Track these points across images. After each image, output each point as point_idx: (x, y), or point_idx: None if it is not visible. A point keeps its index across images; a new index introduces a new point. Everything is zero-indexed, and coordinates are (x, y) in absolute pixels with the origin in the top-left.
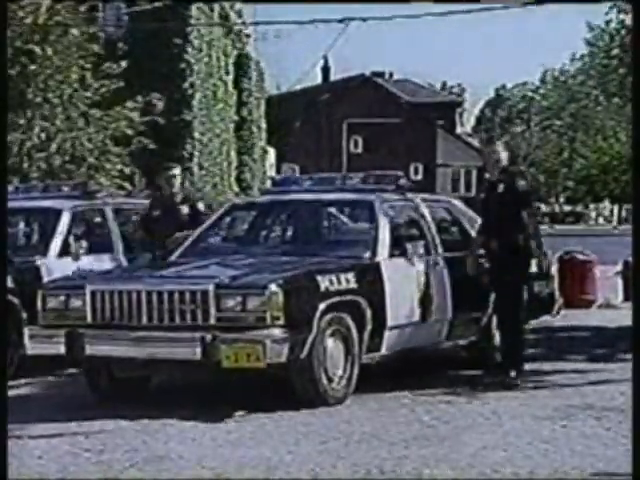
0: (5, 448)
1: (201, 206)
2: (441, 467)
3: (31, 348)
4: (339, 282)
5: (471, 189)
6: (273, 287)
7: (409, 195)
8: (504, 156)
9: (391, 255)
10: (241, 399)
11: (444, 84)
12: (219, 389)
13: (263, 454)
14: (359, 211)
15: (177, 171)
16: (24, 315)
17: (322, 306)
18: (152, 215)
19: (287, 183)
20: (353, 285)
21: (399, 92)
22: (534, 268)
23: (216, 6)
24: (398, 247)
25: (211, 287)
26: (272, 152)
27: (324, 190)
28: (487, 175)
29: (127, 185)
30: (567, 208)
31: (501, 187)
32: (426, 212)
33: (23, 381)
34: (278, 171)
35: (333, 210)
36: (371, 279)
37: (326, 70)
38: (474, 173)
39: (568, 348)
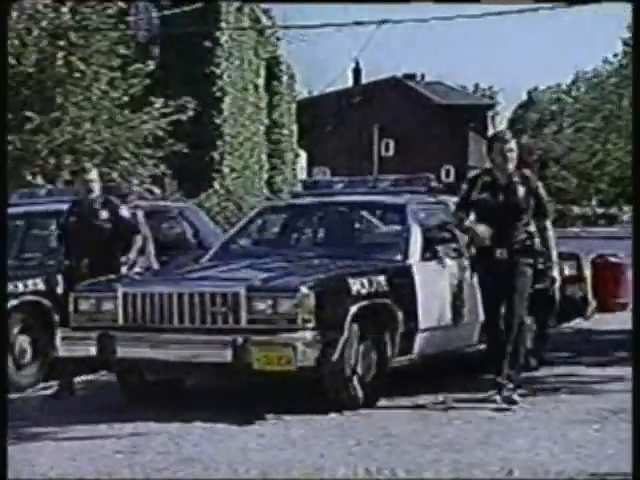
0: (5, 448)
1: (125, 212)
2: (473, 471)
3: (62, 350)
4: (370, 285)
5: None
6: (304, 290)
7: (440, 197)
8: (515, 156)
9: (423, 258)
10: (272, 402)
11: (476, 86)
12: (250, 392)
13: (295, 457)
14: (390, 213)
15: (94, 175)
16: (56, 317)
17: (353, 309)
18: (69, 223)
19: (318, 186)
20: (385, 288)
21: (430, 94)
22: (567, 271)
23: (246, 9)
24: (430, 250)
25: (242, 289)
26: (303, 155)
27: (355, 193)
28: (472, 174)
29: (157, 189)
30: (600, 210)
31: (519, 189)
32: None
33: (55, 383)
34: (309, 174)
35: (364, 213)
36: (403, 282)
37: (357, 73)
38: None
39: (601, 352)
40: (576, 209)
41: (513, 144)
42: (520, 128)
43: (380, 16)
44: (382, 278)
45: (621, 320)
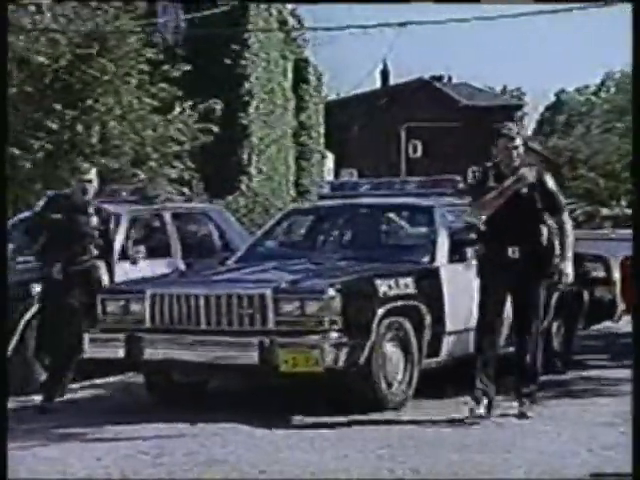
0: (5, 448)
1: (111, 226)
2: (497, 473)
3: (90, 352)
4: (398, 287)
5: None
6: (331, 292)
7: (467, 199)
8: (522, 152)
9: (450, 260)
10: (298, 404)
11: (504, 88)
12: (276, 394)
13: (322, 458)
14: (418, 216)
15: (92, 175)
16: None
17: (381, 311)
18: (51, 218)
19: (344, 188)
20: (412, 290)
21: (458, 96)
22: (595, 273)
23: (274, 11)
24: (457, 252)
25: (269, 291)
26: (331, 157)
27: (382, 194)
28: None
29: (185, 190)
30: (629, 211)
31: (523, 186)
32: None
33: (80, 385)
34: (337, 176)
35: (391, 214)
36: (430, 284)
37: (385, 74)
38: None
39: (631, 354)
40: (605, 210)
41: (519, 140)
42: (549, 130)
43: (406, 17)
44: (409, 280)
45: None
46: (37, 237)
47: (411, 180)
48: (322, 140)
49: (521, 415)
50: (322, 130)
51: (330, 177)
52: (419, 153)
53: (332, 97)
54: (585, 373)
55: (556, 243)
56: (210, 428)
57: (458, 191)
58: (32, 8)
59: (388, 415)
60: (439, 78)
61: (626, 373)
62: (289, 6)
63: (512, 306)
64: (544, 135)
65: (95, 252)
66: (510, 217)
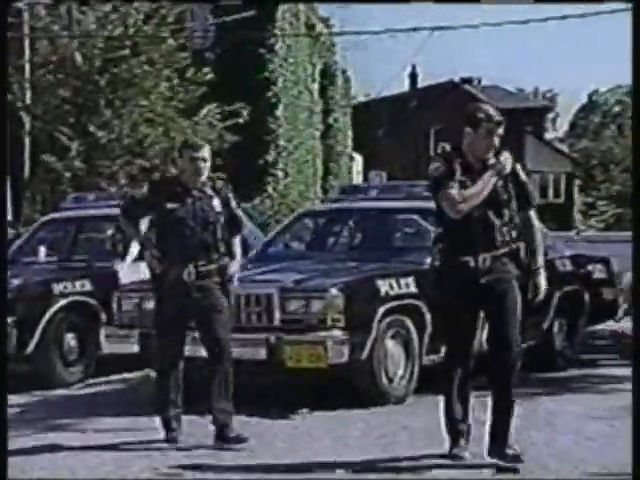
0: (5, 448)
1: (235, 204)
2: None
3: (106, 347)
4: (399, 286)
5: (560, 195)
6: (334, 291)
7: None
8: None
9: None
10: (305, 398)
11: (536, 90)
12: (285, 389)
13: (323, 448)
14: (423, 218)
15: (206, 152)
16: (103, 316)
17: (382, 309)
18: (157, 206)
19: (355, 191)
20: (413, 289)
21: (487, 98)
22: (597, 274)
23: (302, 15)
24: None
25: (275, 291)
26: (359, 159)
27: (390, 198)
28: (442, 150)
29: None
30: None
31: (491, 177)
32: None
33: (101, 379)
34: (365, 178)
35: (398, 217)
36: None
37: (414, 77)
38: (563, 179)
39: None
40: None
41: (502, 129)
42: (581, 132)
43: (435, 21)
44: (411, 280)
45: None
46: (134, 230)
47: (418, 184)
48: (350, 142)
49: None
50: (350, 133)
51: (359, 179)
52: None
53: (361, 99)
54: (585, 371)
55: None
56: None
57: None
58: (62, 12)
59: (391, 408)
60: (469, 80)
61: (624, 371)
62: (316, 8)
63: (488, 333)
64: (576, 137)
65: (223, 247)
66: (478, 216)
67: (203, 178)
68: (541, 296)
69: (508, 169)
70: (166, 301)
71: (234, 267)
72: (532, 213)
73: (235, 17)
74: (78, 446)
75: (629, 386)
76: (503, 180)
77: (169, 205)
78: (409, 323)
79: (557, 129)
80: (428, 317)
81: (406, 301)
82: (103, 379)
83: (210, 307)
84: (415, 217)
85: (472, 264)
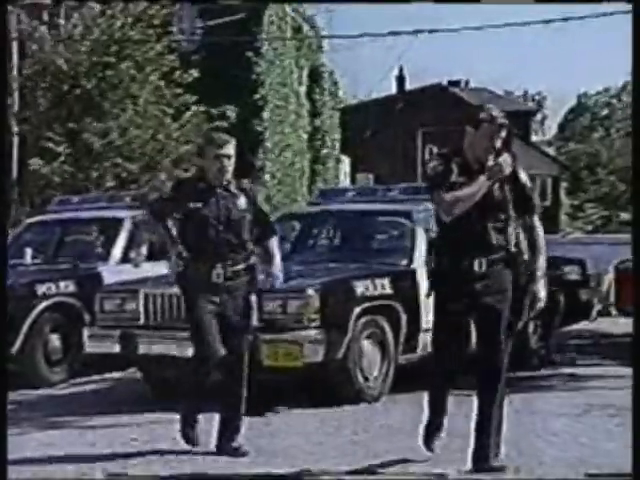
0: (5, 448)
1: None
2: (455, 457)
3: (89, 347)
4: (375, 287)
5: (546, 198)
6: (310, 291)
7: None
8: (504, 134)
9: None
10: (285, 397)
11: (525, 92)
12: (266, 387)
13: (295, 444)
14: (399, 220)
15: (231, 149)
16: (86, 317)
17: (357, 310)
18: (182, 206)
19: (332, 195)
20: (389, 290)
21: (474, 101)
22: (571, 275)
23: (289, 18)
24: None
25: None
26: (347, 161)
27: (366, 201)
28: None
29: None
30: None
31: (485, 180)
32: None
33: (84, 379)
34: (353, 180)
35: (375, 219)
36: (407, 285)
37: (401, 79)
38: (549, 182)
39: (609, 353)
40: (623, 215)
41: (504, 133)
42: (569, 134)
43: (421, 24)
44: (386, 281)
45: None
46: (161, 232)
47: (394, 187)
48: (337, 145)
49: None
50: (337, 135)
51: (346, 181)
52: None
53: (350, 101)
54: (559, 370)
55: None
56: (201, 417)
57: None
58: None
59: (366, 406)
60: (456, 83)
61: (600, 370)
62: (303, 10)
63: (477, 337)
64: (564, 139)
65: (250, 247)
66: (473, 219)
67: (228, 176)
68: (541, 304)
69: (506, 172)
70: (194, 302)
71: (275, 268)
72: (535, 218)
73: (222, 20)
74: (64, 443)
75: (599, 384)
76: (501, 183)
77: (192, 205)
78: (384, 323)
79: (545, 131)
80: (403, 317)
81: (382, 302)
82: (85, 379)
83: (236, 312)
84: (391, 219)
85: (468, 268)
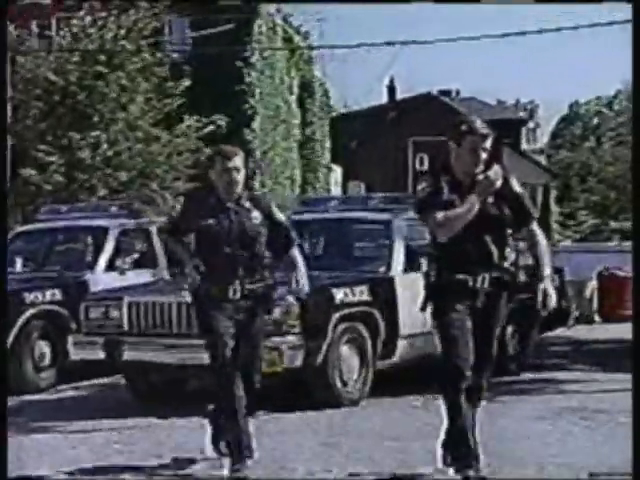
0: (5, 448)
1: (280, 216)
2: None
3: (74, 354)
4: (353, 294)
5: (537, 206)
6: (290, 299)
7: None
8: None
9: (405, 270)
10: (267, 401)
11: (517, 101)
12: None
13: (272, 446)
14: (378, 229)
15: (239, 161)
16: (72, 325)
17: (336, 316)
18: (195, 222)
19: (315, 203)
20: (367, 297)
21: (465, 110)
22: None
23: (279, 29)
24: (412, 262)
25: None
26: (338, 170)
27: (347, 209)
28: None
29: None
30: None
31: (476, 197)
32: None
33: (69, 385)
34: (344, 189)
35: (355, 227)
36: (385, 292)
37: (392, 89)
38: (540, 191)
39: (587, 359)
40: (613, 223)
41: (489, 142)
42: (561, 142)
43: (414, 34)
44: (365, 288)
45: (620, 330)
46: (181, 248)
47: (375, 196)
48: (328, 154)
49: None
50: (328, 144)
51: (337, 190)
52: (426, 166)
53: (342, 110)
54: (537, 375)
55: (520, 265)
56: (180, 421)
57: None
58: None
59: (344, 411)
60: (447, 93)
61: (576, 375)
62: (293, 21)
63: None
64: (556, 147)
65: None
66: (471, 236)
67: (238, 189)
68: (552, 305)
69: (497, 185)
70: (209, 321)
71: (301, 277)
72: (534, 226)
73: (213, 30)
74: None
75: (574, 387)
76: (495, 197)
77: (203, 222)
78: (363, 329)
79: (537, 140)
80: (382, 324)
81: (360, 308)
82: (72, 385)
83: (252, 331)
84: (371, 227)
85: (470, 283)
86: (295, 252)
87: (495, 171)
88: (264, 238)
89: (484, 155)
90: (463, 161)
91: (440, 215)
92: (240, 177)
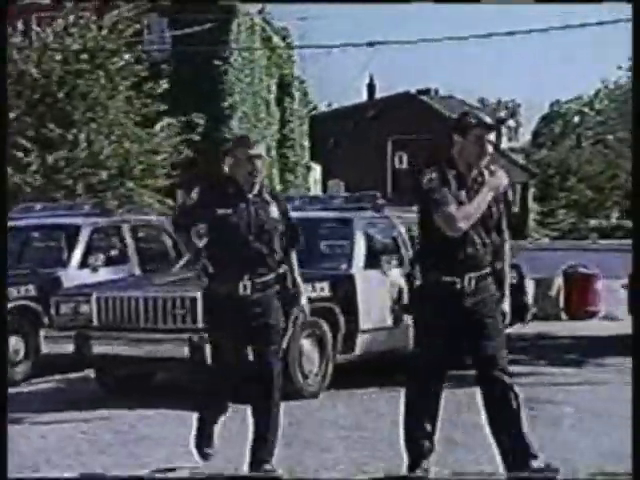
0: (5, 448)
1: (291, 215)
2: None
3: (45, 348)
4: (314, 290)
5: (515, 205)
6: None
7: (385, 212)
8: (493, 138)
9: (365, 267)
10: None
11: (499, 101)
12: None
13: (233, 439)
14: (340, 227)
15: (262, 149)
16: (45, 320)
17: (296, 311)
18: (209, 212)
19: None
20: (327, 293)
21: (443, 109)
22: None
23: (257, 28)
24: (372, 259)
25: (199, 294)
26: (317, 169)
27: (311, 209)
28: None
29: (170, 201)
30: (614, 222)
31: (488, 192)
32: (401, 228)
33: (42, 379)
34: (324, 188)
35: (318, 226)
36: (345, 288)
37: (371, 88)
38: (518, 189)
39: (550, 354)
40: (592, 222)
41: (494, 135)
42: (542, 141)
43: (393, 34)
44: (325, 284)
45: (584, 327)
46: (190, 240)
47: (337, 196)
48: (307, 153)
49: None
50: (307, 143)
51: (317, 189)
52: (405, 164)
53: (322, 109)
54: None
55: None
56: (146, 413)
57: (376, 205)
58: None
59: (304, 403)
60: (426, 92)
61: (534, 369)
62: (272, 20)
63: (474, 354)
64: (538, 146)
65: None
66: (469, 234)
67: (260, 178)
68: (508, 321)
69: (501, 189)
70: (219, 318)
71: (298, 277)
72: (506, 235)
73: (191, 30)
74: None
75: (528, 381)
76: (494, 198)
77: (220, 211)
78: (323, 324)
79: (518, 139)
80: (342, 319)
81: (321, 304)
82: (43, 379)
83: (265, 327)
84: (333, 226)
85: (458, 285)
86: (293, 254)
87: (501, 174)
88: (278, 234)
89: (490, 148)
90: (468, 153)
91: (454, 208)
92: (263, 166)
